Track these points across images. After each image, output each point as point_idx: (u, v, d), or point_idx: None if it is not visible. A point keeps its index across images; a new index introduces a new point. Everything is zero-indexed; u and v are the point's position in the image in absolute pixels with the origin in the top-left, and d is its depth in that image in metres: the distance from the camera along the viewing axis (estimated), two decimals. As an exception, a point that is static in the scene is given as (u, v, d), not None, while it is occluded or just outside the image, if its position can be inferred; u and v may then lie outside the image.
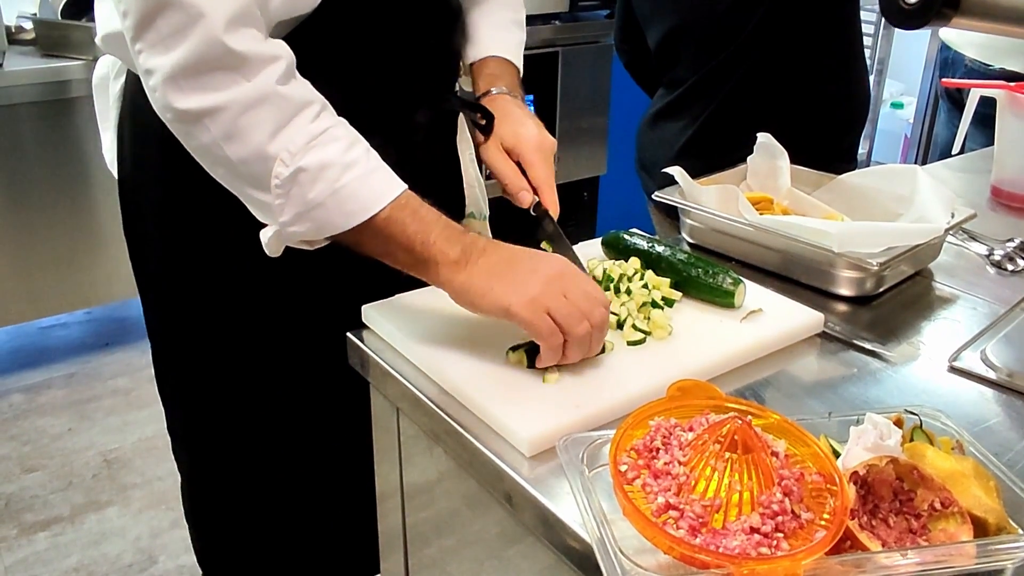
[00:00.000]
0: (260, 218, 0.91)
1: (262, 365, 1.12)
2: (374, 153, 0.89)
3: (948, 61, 2.10)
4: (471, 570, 0.94)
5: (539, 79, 2.98)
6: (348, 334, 0.99)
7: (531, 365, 0.87)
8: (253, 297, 1.08)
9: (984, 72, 1.94)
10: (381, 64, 1.03)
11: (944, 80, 1.80)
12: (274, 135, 0.84)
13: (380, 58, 1.03)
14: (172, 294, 1.11)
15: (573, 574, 0.77)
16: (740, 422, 0.62)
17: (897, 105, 4.36)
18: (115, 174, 1.12)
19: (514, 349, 0.89)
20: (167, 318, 1.15)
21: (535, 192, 1.07)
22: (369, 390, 1.02)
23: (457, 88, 1.22)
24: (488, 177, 1.30)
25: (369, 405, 1.03)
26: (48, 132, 2.54)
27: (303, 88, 0.88)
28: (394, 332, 0.95)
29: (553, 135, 1.12)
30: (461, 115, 1.24)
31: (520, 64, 1.23)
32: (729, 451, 0.62)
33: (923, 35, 3.87)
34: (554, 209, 1.06)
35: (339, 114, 1.02)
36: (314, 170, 0.84)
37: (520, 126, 1.10)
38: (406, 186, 0.89)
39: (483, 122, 1.10)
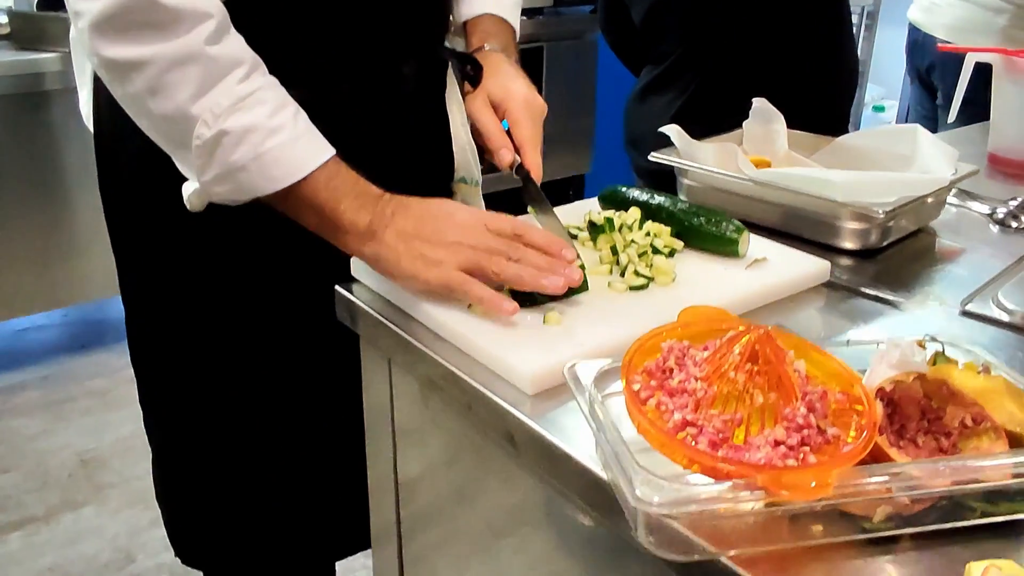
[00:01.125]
0: (184, 171, 0.88)
1: (242, 326, 1.07)
2: (303, 116, 0.87)
3: (917, 43, 2.10)
4: (472, 539, 0.90)
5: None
6: (336, 287, 0.95)
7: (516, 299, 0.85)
8: (233, 253, 1.03)
9: (955, 54, 1.93)
10: (366, 10, 1.00)
11: (941, 45, 1.79)
12: (198, 96, 0.82)
13: (365, 4, 0.99)
14: (148, 250, 1.06)
15: (573, 550, 0.74)
16: (762, 331, 0.59)
17: (879, 108, 4.39)
18: (91, 128, 1.08)
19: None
20: (142, 276, 1.09)
21: (518, 153, 1.02)
22: (356, 363, 0.98)
23: (448, 44, 1.19)
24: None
25: (356, 371, 0.99)
26: (23, 126, 2.49)
27: (234, 47, 0.85)
28: (384, 281, 0.91)
29: None
30: (452, 76, 1.20)
31: (516, 25, 1.20)
32: (750, 362, 0.58)
33: (902, 38, 3.89)
34: (536, 171, 1.01)
35: (322, 63, 0.98)
36: (237, 133, 0.83)
37: (510, 81, 1.05)
38: (333, 152, 0.87)
39: (472, 72, 1.06)
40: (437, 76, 1.14)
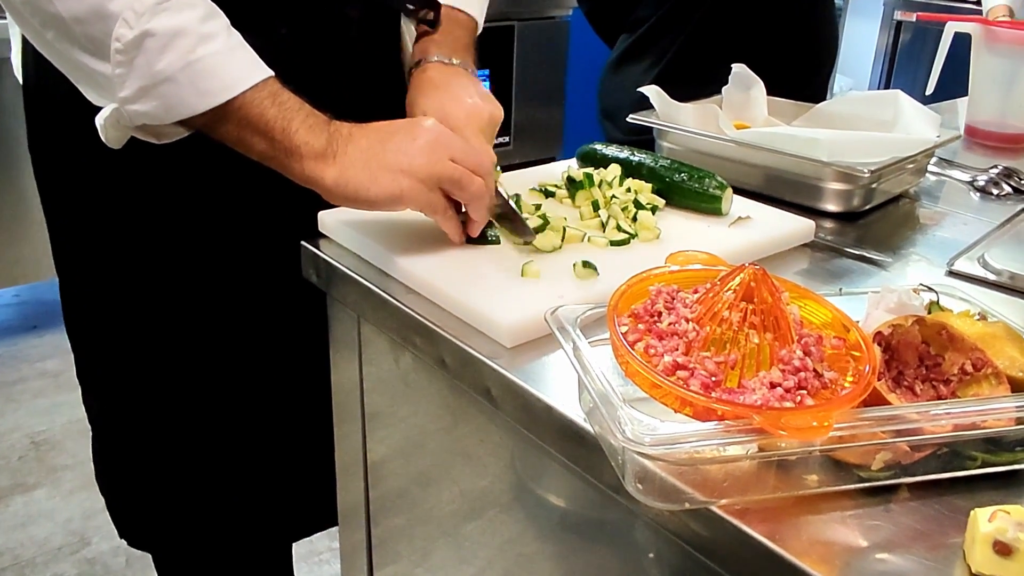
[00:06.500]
0: (96, 98, 0.78)
1: (184, 289, 0.98)
2: (237, 34, 0.78)
3: None
4: (441, 520, 0.86)
5: (494, 54, 2.92)
6: (302, 242, 0.90)
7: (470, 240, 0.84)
8: (175, 208, 0.94)
9: None
10: None
11: (921, 15, 1.78)
12: None
13: None
14: (80, 208, 0.96)
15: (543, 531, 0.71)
16: (757, 268, 0.55)
17: (846, 99, 4.40)
18: (20, 81, 0.98)
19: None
20: (75, 237, 0.99)
21: None
22: (312, 327, 0.94)
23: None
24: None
25: (313, 335, 0.95)
26: (-32, 98, 2.39)
27: None
28: (354, 236, 0.87)
29: (508, 113, 0.98)
30: (408, 32, 1.11)
31: (479, 12, 1.05)
32: (745, 301, 0.55)
33: (872, 30, 3.92)
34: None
35: (256, 2, 0.88)
36: (164, 36, 0.73)
37: (448, 99, 0.90)
38: (272, 72, 0.78)
39: (431, 17, 0.98)
40: (388, 25, 1.05)
